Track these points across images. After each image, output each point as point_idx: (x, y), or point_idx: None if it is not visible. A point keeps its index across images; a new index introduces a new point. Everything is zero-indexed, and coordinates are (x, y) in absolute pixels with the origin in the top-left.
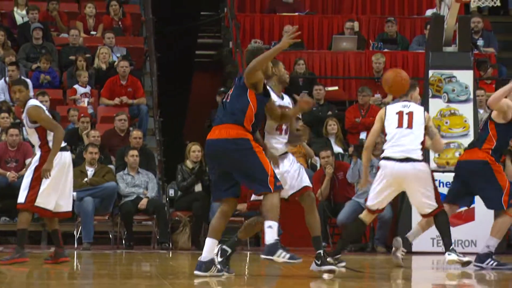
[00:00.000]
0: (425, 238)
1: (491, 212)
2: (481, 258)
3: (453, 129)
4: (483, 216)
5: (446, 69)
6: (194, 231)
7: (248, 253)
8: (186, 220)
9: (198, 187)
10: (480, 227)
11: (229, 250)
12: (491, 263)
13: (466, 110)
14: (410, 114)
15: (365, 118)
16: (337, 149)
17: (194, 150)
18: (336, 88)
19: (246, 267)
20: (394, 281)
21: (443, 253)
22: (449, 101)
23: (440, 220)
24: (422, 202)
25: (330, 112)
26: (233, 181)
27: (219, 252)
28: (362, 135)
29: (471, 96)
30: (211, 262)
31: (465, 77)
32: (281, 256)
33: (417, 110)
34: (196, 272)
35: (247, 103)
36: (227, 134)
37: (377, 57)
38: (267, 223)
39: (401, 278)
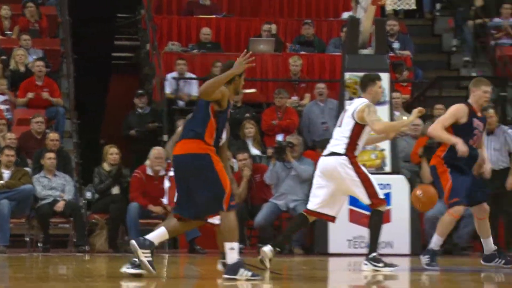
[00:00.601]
0: (341, 240)
1: (407, 213)
2: (424, 251)
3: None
4: (399, 217)
5: (362, 72)
6: (112, 233)
7: (167, 255)
8: (103, 222)
9: (115, 190)
10: (396, 228)
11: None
12: (425, 258)
13: (382, 112)
14: (345, 112)
15: (282, 120)
16: (255, 151)
17: (112, 153)
18: (254, 90)
19: (165, 269)
20: (312, 283)
21: (359, 255)
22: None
23: (372, 221)
24: (356, 193)
25: (247, 114)
26: (196, 203)
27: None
28: (279, 137)
29: (387, 99)
30: (151, 244)
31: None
32: (244, 275)
33: (353, 106)
34: (132, 242)
35: (208, 118)
36: (187, 149)
37: (294, 59)
38: (228, 245)
39: (318, 280)
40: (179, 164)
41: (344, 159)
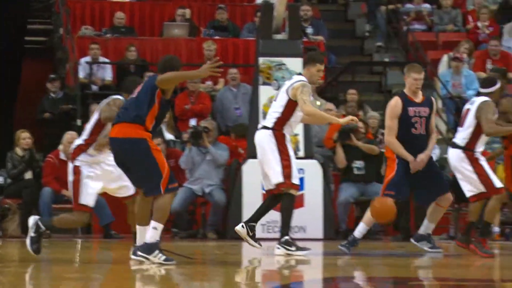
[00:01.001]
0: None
1: (320, 198)
2: (348, 241)
3: None
4: (313, 202)
5: (276, 57)
6: (24, 218)
7: (80, 240)
8: (15, 207)
9: (28, 175)
10: (309, 213)
11: (43, 228)
12: (344, 246)
13: None
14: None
15: (195, 105)
16: (168, 136)
17: (24, 138)
18: None
19: (78, 254)
20: (225, 268)
21: (273, 239)
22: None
23: (284, 205)
24: (265, 173)
25: None
26: (137, 180)
27: (35, 227)
28: (192, 122)
29: None
30: (155, 245)
31: (295, 64)
32: (157, 257)
33: (290, 82)
34: (133, 257)
35: (152, 104)
36: (125, 133)
37: (209, 44)
38: (152, 223)
39: (231, 264)
40: (117, 148)
41: (270, 133)
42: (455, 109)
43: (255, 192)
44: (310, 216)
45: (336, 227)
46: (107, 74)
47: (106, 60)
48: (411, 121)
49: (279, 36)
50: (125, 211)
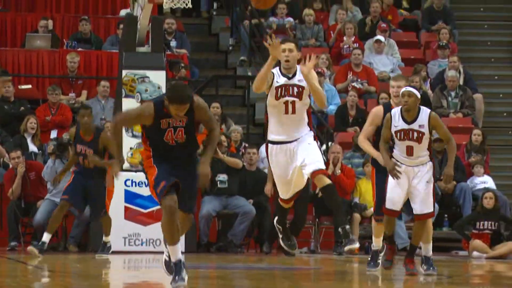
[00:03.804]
0: (117, 237)
1: None
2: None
3: None
4: None
5: (139, 69)
6: None
7: None
8: None
9: None
10: None
11: None
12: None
13: None
14: None
15: (55, 116)
16: (33, 147)
17: None
18: (29, 86)
19: None
20: (87, 280)
21: (135, 252)
22: (142, 101)
23: None
24: None
25: (22, 108)
26: None
27: None
28: (53, 134)
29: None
30: None
31: (158, 77)
32: None
33: None
34: None
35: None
36: None
37: (72, 56)
38: None
39: (92, 277)
40: None
41: None
42: (317, 124)
43: (118, 204)
44: None
45: (198, 240)
46: None
47: None
48: None
49: (142, 49)
50: None
